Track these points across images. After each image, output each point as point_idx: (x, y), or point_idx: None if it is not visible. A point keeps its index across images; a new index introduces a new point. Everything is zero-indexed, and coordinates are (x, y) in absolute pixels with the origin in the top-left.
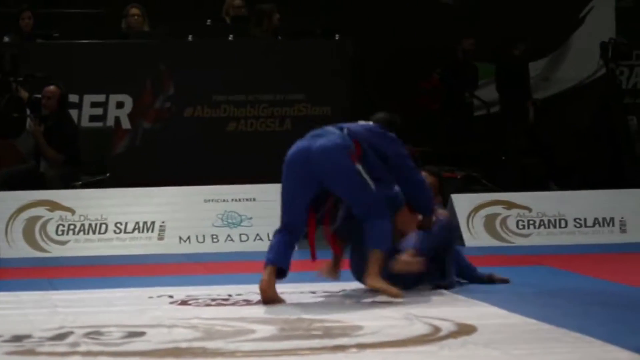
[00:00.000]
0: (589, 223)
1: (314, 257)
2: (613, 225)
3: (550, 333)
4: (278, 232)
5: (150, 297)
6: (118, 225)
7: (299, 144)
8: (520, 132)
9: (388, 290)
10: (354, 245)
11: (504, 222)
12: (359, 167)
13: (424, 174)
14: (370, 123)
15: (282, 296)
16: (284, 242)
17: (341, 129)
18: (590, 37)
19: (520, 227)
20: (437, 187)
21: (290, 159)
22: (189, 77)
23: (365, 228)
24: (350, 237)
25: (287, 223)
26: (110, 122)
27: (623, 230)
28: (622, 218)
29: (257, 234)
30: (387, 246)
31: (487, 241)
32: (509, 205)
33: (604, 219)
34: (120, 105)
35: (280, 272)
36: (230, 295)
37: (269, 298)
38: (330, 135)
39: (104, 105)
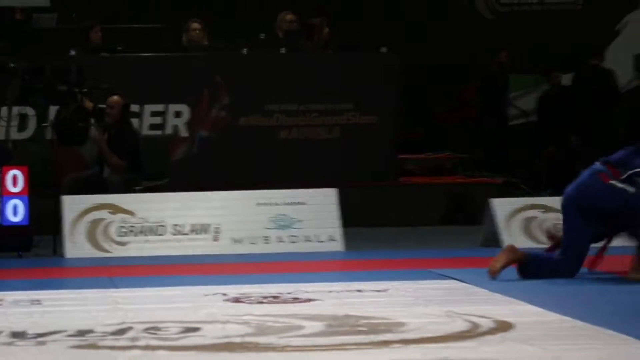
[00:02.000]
0: None
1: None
2: None
3: (584, 330)
4: None
5: (205, 295)
6: (176, 227)
7: (568, 190)
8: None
9: None
10: None
11: (540, 225)
12: (618, 183)
13: None
14: None
15: (329, 295)
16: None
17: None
18: (626, 49)
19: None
20: None
21: (563, 205)
22: (243, 88)
23: None
24: None
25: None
26: (169, 130)
27: None
28: None
29: (306, 236)
30: None
31: (524, 243)
32: (546, 209)
33: None
34: (178, 114)
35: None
36: (280, 294)
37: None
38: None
39: (163, 114)
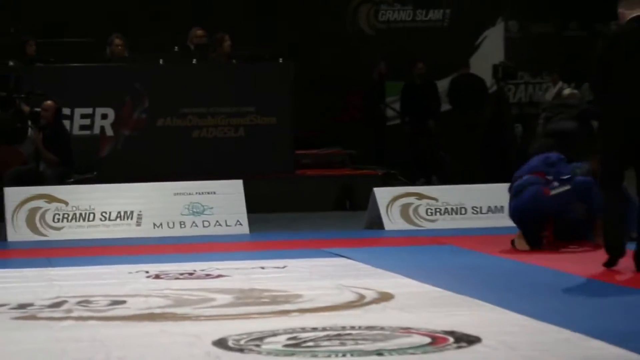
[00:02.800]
0: (484, 210)
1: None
2: (503, 212)
3: (453, 299)
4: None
5: (130, 272)
6: (103, 214)
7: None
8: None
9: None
10: None
11: (415, 210)
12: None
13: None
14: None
15: (237, 271)
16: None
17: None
18: (485, 60)
19: (429, 214)
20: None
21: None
22: (161, 94)
23: None
24: None
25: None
26: (96, 130)
27: None
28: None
29: (217, 221)
30: None
31: (403, 225)
32: (420, 196)
33: (496, 206)
34: (104, 116)
35: None
36: (195, 270)
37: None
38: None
39: (91, 116)
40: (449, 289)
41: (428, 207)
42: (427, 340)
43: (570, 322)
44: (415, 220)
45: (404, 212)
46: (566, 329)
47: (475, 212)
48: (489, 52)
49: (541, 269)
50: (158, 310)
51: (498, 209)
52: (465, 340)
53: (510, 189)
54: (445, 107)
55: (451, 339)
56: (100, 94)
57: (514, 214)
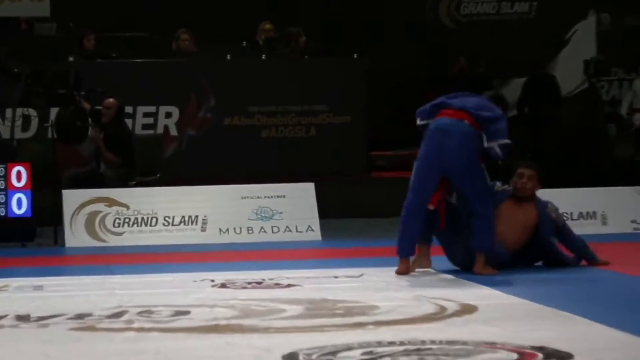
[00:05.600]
0: (575, 216)
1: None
2: (595, 218)
3: (542, 312)
4: (411, 212)
5: (194, 281)
6: (166, 218)
7: (434, 141)
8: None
9: (485, 273)
10: (454, 234)
11: None
12: (484, 167)
13: (522, 169)
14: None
15: (308, 280)
16: (411, 228)
17: (462, 119)
18: (575, 55)
19: None
20: (537, 179)
21: (427, 149)
22: (227, 91)
23: (476, 225)
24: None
25: (421, 200)
26: (160, 129)
27: (604, 223)
28: (603, 212)
29: (287, 226)
30: (491, 246)
31: None
32: None
33: (587, 212)
34: (168, 115)
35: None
36: (263, 279)
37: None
38: (459, 134)
39: (154, 115)
40: (536, 300)
41: None
42: (515, 356)
43: None
44: None
45: None
46: None
47: (565, 218)
48: (580, 46)
49: (633, 278)
50: (224, 322)
51: (590, 215)
52: (556, 356)
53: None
54: (512, 112)
55: (540, 355)
56: (164, 91)
57: None
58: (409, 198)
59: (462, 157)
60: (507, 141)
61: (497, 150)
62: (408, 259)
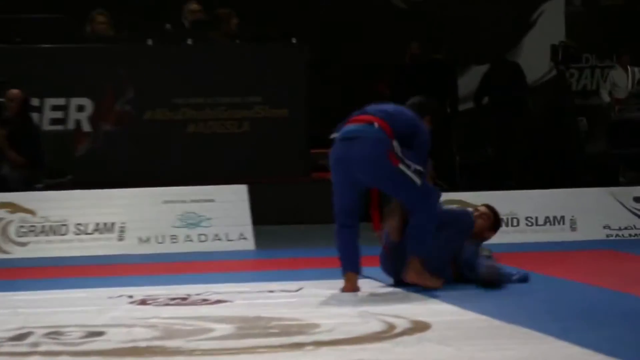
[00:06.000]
0: (540, 221)
1: (377, 227)
2: (564, 223)
3: (501, 329)
4: (339, 232)
5: (110, 297)
6: (78, 226)
7: (339, 151)
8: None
9: (428, 284)
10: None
11: None
12: (400, 165)
13: (482, 208)
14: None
15: (240, 295)
16: (348, 243)
17: (371, 123)
18: (541, 39)
19: None
20: (490, 222)
21: (333, 165)
22: (148, 81)
23: (409, 231)
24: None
25: (344, 220)
26: (71, 125)
27: (573, 228)
28: (573, 217)
29: (216, 234)
30: (425, 252)
31: None
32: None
33: (555, 217)
34: (81, 108)
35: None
36: (188, 295)
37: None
38: (365, 139)
39: (65, 108)
40: (494, 316)
41: None
42: None
43: None
44: None
45: None
46: None
47: (529, 223)
48: (547, 30)
49: (610, 292)
50: (143, 344)
51: (557, 220)
52: None
53: None
54: (468, 105)
55: None
56: (76, 81)
57: None
58: (336, 222)
59: (371, 164)
60: (420, 168)
61: (409, 173)
62: (355, 274)
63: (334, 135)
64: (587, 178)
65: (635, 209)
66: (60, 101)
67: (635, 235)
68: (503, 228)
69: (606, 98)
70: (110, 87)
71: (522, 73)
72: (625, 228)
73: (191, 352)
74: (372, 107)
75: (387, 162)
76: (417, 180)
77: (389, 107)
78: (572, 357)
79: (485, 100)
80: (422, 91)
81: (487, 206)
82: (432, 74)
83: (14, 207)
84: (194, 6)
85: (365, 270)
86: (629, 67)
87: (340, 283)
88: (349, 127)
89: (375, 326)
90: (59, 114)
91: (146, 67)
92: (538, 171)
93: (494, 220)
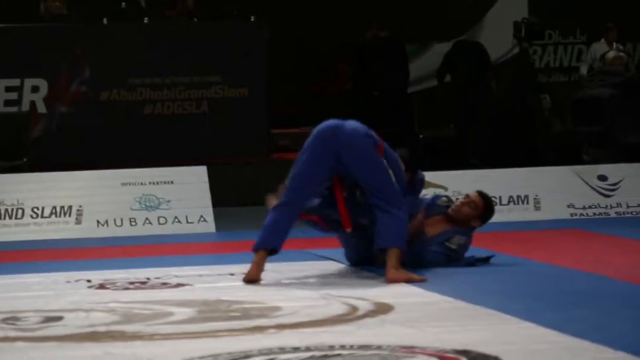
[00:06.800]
0: (504, 201)
1: (348, 225)
2: (527, 203)
3: (465, 310)
4: (276, 210)
5: (68, 282)
6: (35, 210)
7: (330, 121)
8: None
9: (413, 279)
10: (355, 229)
11: None
12: (384, 161)
13: (473, 195)
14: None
15: (200, 279)
16: (280, 221)
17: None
18: (504, 16)
19: None
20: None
21: (318, 133)
22: (104, 61)
23: (381, 219)
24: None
25: (291, 199)
26: (25, 106)
27: (537, 207)
28: (537, 196)
29: (176, 217)
30: (403, 243)
31: None
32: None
33: (518, 196)
34: (35, 89)
35: (272, 252)
36: (148, 279)
37: (253, 281)
38: (359, 126)
39: (19, 89)
40: (459, 297)
41: None
42: None
43: (613, 339)
44: None
45: None
46: (607, 346)
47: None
48: (509, 7)
49: (576, 272)
50: (102, 328)
51: (521, 200)
52: None
53: None
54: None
55: None
56: (30, 62)
57: None
58: (282, 198)
59: (360, 140)
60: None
61: (389, 171)
62: (265, 255)
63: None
64: (551, 156)
65: (600, 187)
66: (15, 82)
67: (600, 214)
68: None
69: (584, 71)
70: (65, 68)
71: (485, 51)
72: (590, 207)
73: (151, 336)
74: None
75: (374, 150)
76: (394, 179)
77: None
78: (537, 338)
79: (448, 78)
80: (381, 69)
81: (480, 194)
82: (390, 53)
83: None
84: None
85: (326, 252)
86: (614, 44)
87: (303, 266)
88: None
89: (338, 309)
90: (13, 95)
91: (102, 46)
92: (501, 150)
93: (483, 211)
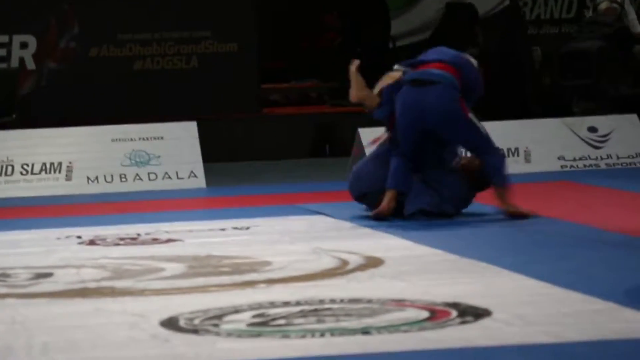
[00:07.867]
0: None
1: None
2: (518, 155)
3: (455, 263)
4: (398, 158)
5: (58, 238)
6: (24, 166)
7: (410, 98)
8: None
9: (529, 214)
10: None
11: None
12: (470, 114)
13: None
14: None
15: (190, 234)
16: (405, 168)
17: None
18: None
19: None
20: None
21: (402, 109)
22: (93, 16)
23: (488, 161)
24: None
25: (407, 152)
26: (14, 62)
27: (528, 160)
28: (527, 148)
29: (166, 173)
30: (507, 180)
31: None
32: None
33: (509, 149)
34: (24, 45)
35: (401, 194)
36: (138, 234)
37: (383, 216)
38: (439, 86)
39: (7, 45)
40: (450, 250)
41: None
42: (425, 314)
43: (603, 290)
44: None
45: None
46: (597, 297)
47: None
48: None
49: (566, 224)
50: (93, 284)
51: (512, 152)
52: (472, 313)
53: None
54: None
55: (454, 313)
56: (18, 17)
57: None
58: (400, 158)
59: (445, 114)
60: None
61: (475, 121)
62: (395, 193)
63: (399, 70)
64: (541, 109)
65: (590, 139)
66: (3, 38)
67: (590, 165)
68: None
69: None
70: (54, 23)
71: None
72: (580, 158)
73: (141, 292)
74: (435, 54)
75: (460, 113)
76: (480, 126)
77: (449, 55)
78: (528, 290)
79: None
80: (370, 23)
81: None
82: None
83: None
84: None
85: (318, 206)
86: None
87: (294, 220)
88: (418, 71)
89: (328, 263)
90: (2, 52)
91: (91, 1)
92: (492, 102)
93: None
